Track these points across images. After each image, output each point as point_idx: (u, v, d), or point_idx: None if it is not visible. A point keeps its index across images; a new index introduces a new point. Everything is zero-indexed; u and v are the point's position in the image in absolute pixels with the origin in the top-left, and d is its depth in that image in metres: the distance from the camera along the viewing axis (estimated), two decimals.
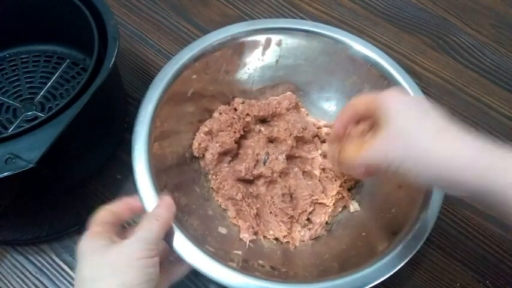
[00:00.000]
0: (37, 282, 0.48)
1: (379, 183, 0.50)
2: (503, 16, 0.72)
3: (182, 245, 0.39)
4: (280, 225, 0.48)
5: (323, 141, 0.54)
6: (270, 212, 0.49)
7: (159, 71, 0.47)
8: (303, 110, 0.56)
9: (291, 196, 0.50)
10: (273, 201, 0.49)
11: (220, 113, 0.53)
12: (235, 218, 0.49)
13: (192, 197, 0.49)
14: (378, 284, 0.38)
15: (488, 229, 0.53)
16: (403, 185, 0.47)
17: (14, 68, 0.56)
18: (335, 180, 0.51)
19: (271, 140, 0.53)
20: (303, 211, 0.49)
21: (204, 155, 0.51)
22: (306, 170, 0.52)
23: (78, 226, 0.50)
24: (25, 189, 0.42)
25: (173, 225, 0.39)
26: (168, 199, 0.40)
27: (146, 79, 0.61)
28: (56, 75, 0.55)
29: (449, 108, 0.62)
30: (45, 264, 0.49)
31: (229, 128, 0.51)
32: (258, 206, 0.50)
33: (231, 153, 0.52)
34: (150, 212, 0.39)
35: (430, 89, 0.63)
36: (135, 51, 0.64)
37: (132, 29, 0.66)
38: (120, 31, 0.47)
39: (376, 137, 0.36)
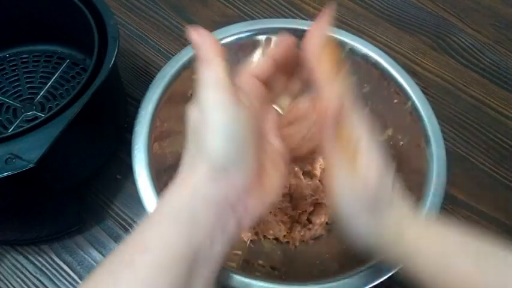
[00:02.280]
0: (37, 282, 0.48)
1: None
2: (503, 16, 0.72)
3: None
4: (280, 225, 0.48)
5: None
6: (270, 212, 0.49)
7: (159, 71, 0.47)
8: None
9: (291, 196, 0.50)
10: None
11: None
12: None
13: None
14: (378, 284, 0.38)
15: (488, 229, 0.53)
16: (402, 186, 0.47)
17: (14, 68, 0.56)
18: None
19: None
20: (303, 211, 0.49)
21: None
22: (306, 169, 0.52)
23: (78, 226, 0.50)
24: (25, 189, 0.42)
25: None
26: (202, 32, 0.31)
27: (146, 79, 0.61)
28: (56, 75, 0.55)
29: (449, 108, 0.62)
30: (45, 264, 0.49)
31: None
32: None
33: None
34: (202, 57, 0.31)
35: (430, 89, 0.63)
36: (135, 51, 0.64)
37: (132, 29, 0.66)
38: (120, 31, 0.47)
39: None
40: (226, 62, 0.30)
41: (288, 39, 0.35)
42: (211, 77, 0.30)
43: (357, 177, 0.32)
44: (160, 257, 0.27)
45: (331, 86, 0.32)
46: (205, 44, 0.30)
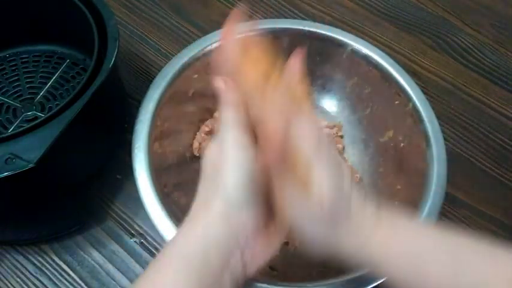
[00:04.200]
0: (37, 282, 0.48)
1: (379, 186, 0.50)
2: (503, 16, 0.72)
3: None
4: None
5: None
6: None
7: (159, 71, 0.47)
8: None
9: None
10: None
11: None
12: None
13: (192, 196, 0.48)
14: (378, 284, 0.38)
15: (488, 229, 0.53)
16: (402, 187, 0.47)
17: (14, 68, 0.56)
18: None
19: None
20: None
21: None
22: None
23: (78, 226, 0.50)
24: (25, 189, 0.42)
25: None
26: (228, 81, 0.32)
27: (146, 79, 0.61)
28: (56, 75, 0.55)
29: (449, 108, 0.62)
30: (45, 264, 0.49)
31: None
32: None
33: None
34: (226, 100, 0.32)
35: (430, 89, 0.63)
36: (135, 51, 0.64)
37: (132, 29, 0.66)
38: (120, 31, 0.47)
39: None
40: (245, 105, 0.32)
41: None
42: (233, 118, 0.31)
43: (310, 196, 0.30)
44: None
45: (263, 101, 0.30)
46: (230, 91, 0.32)
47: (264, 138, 0.30)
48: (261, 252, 0.31)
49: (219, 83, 0.33)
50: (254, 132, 0.31)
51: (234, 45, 0.32)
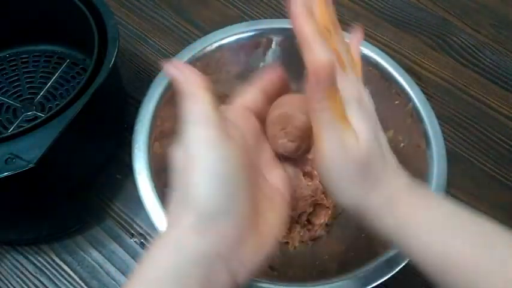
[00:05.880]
0: (37, 282, 0.48)
1: None
2: (503, 16, 0.72)
3: None
4: None
5: None
6: None
7: (159, 71, 0.47)
8: None
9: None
10: None
11: None
12: None
13: None
14: (379, 284, 0.38)
15: None
16: None
17: (14, 68, 0.56)
18: None
19: None
20: (302, 212, 0.49)
21: None
22: (306, 170, 0.52)
23: (78, 226, 0.50)
24: (25, 189, 0.42)
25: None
26: (179, 64, 0.28)
27: (146, 79, 0.61)
28: (56, 75, 0.55)
29: (449, 108, 0.62)
30: (45, 264, 0.49)
31: None
32: None
33: None
34: (183, 91, 0.27)
35: (430, 89, 0.63)
36: (135, 51, 0.64)
37: (132, 29, 0.66)
38: (120, 31, 0.47)
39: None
40: (211, 93, 0.27)
41: (275, 71, 0.34)
42: (197, 112, 0.27)
43: (348, 140, 0.28)
44: None
45: (321, 45, 0.29)
46: (185, 77, 0.27)
47: (313, 70, 0.28)
48: (252, 257, 0.27)
49: (171, 69, 0.28)
50: (227, 125, 0.28)
51: None
